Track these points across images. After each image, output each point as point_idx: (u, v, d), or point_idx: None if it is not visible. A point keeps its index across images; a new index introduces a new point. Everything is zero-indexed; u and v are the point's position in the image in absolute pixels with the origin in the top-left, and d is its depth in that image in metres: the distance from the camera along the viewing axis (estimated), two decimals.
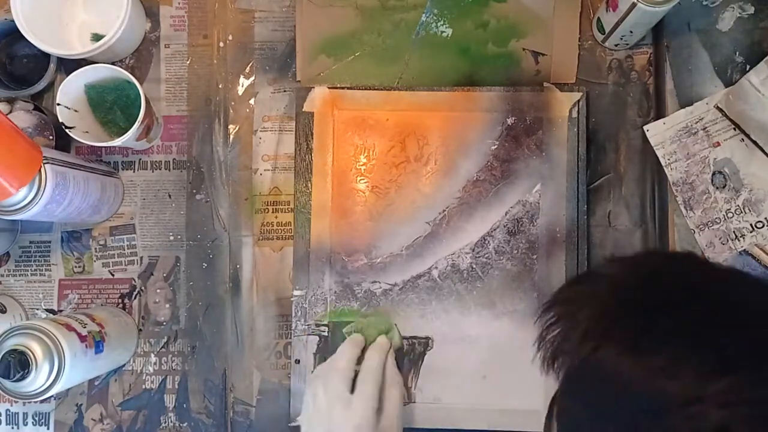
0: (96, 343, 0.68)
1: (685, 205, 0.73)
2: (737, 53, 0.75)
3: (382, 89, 0.78)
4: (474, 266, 0.76)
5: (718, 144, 0.73)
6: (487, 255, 0.76)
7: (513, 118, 0.77)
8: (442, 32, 0.79)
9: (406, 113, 0.77)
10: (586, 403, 0.42)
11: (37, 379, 0.61)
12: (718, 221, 0.73)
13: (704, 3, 0.76)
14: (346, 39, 0.79)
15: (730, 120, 0.72)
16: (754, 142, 0.72)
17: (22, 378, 0.60)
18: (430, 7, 0.78)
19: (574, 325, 0.42)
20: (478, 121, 0.77)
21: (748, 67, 0.74)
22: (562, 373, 0.44)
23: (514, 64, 0.78)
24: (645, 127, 0.75)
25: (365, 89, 0.78)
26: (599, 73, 0.78)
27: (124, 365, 0.77)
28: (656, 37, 0.78)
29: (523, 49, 0.78)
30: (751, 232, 0.72)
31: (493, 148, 0.77)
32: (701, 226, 0.73)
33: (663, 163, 0.74)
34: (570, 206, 0.76)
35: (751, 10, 0.75)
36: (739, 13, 0.76)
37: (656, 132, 0.74)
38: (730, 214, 0.73)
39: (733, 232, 0.73)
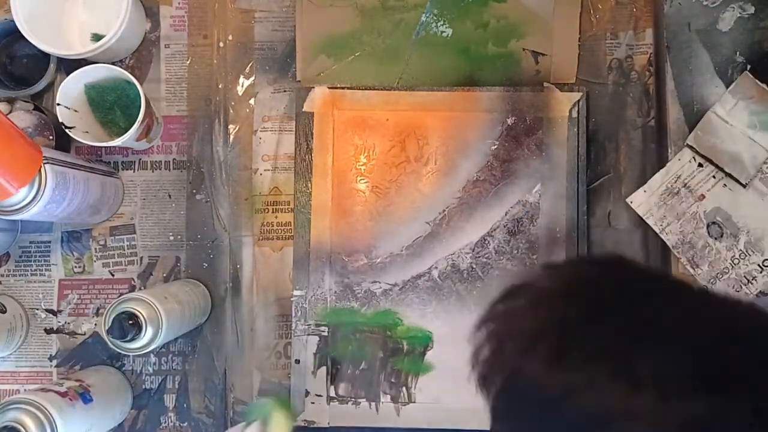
0: (80, 395, 0.67)
1: (690, 264, 0.73)
2: (738, 53, 0.75)
3: (382, 89, 0.78)
4: (474, 266, 0.76)
5: (703, 196, 0.73)
6: (487, 255, 0.76)
7: (513, 118, 0.77)
8: (442, 32, 0.78)
9: (406, 113, 0.77)
10: (514, 427, 0.40)
11: None
12: (727, 271, 0.72)
13: (704, 3, 0.76)
14: (346, 39, 0.79)
15: (703, 156, 0.72)
16: (729, 175, 0.72)
17: None
18: (430, 7, 0.78)
19: (502, 343, 0.40)
20: (478, 121, 0.77)
21: (748, 66, 0.74)
22: (492, 396, 0.41)
23: (514, 64, 0.78)
24: (628, 200, 0.75)
25: (365, 89, 0.78)
26: (599, 73, 0.78)
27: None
28: (656, 37, 0.78)
29: (523, 49, 0.78)
30: (761, 272, 0.72)
31: (493, 148, 0.77)
32: (712, 280, 0.72)
33: (657, 230, 0.73)
34: (570, 206, 0.76)
35: (752, 10, 0.75)
36: (740, 13, 0.76)
37: (640, 201, 0.74)
38: (735, 261, 0.72)
39: (744, 277, 0.72)
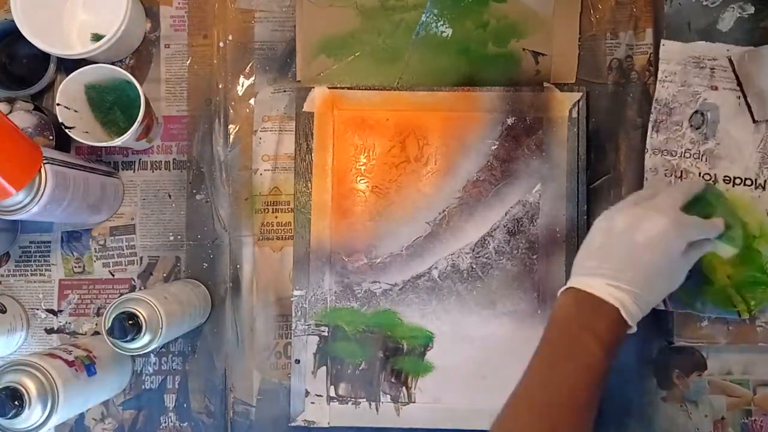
0: (86, 366, 0.67)
1: (653, 125, 0.74)
2: None
3: (382, 89, 0.78)
4: (474, 266, 0.76)
5: (716, 88, 0.74)
6: (487, 255, 0.76)
7: (513, 118, 0.77)
8: (442, 32, 0.78)
9: (406, 113, 0.77)
10: None
11: (33, 413, 0.60)
12: (674, 153, 0.74)
13: (704, 3, 0.76)
14: (346, 39, 0.79)
15: (735, 74, 0.73)
16: (748, 105, 0.73)
17: (17, 415, 0.59)
18: (430, 7, 0.78)
19: None
20: (478, 121, 0.77)
21: None
22: None
23: (514, 64, 0.78)
24: (662, 41, 0.75)
25: (365, 89, 0.78)
26: (599, 73, 0.78)
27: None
28: (656, 37, 0.78)
29: (523, 49, 0.78)
30: (697, 176, 0.73)
31: (493, 148, 0.77)
32: (656, 151, 0.74)
33: (659, 78, 0.75)
34: (570, 206, 0.76)
35: (751, 10, 0.75)
36: (739, 13, 0.76)
37: (669, 49, 0.75)
38: (687, 154, 0.73)
39: (682, 171, 0.74)
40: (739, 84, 0.74)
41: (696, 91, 0.74)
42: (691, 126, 0.73)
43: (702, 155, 0.73)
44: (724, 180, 0.73)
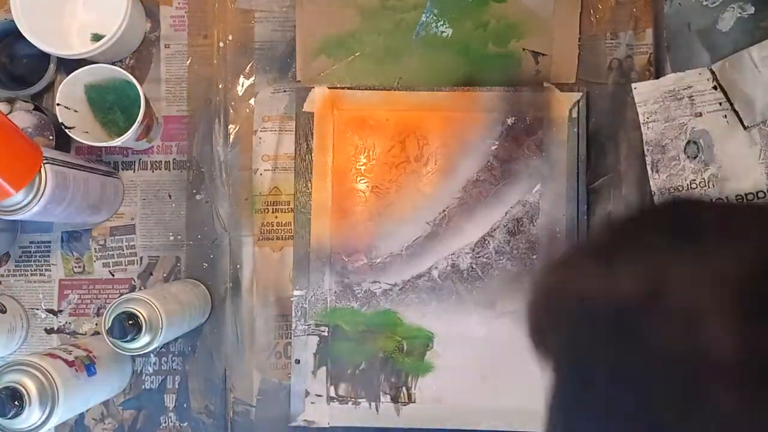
0: (86, 366, 0.67)
1: (652, 167, 0.74)
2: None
3: (382, 89, 0.78)
4: (474, 266, 0.76)
5: (700, 114, 0.74)
6: (487, 255, 0.76)
7: (513, 118, 0.77)
8: (442, 32, 0.78)
9: (406, 113, 0.77)
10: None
11: (33, 413, 0.60)
12: (681, 189, 0.73)
13: (704, 3, 0.76)
14: (346, 39, 0.79)
15: (719, 85, 0.73)
16: (736, 113, 0.73)
17: (17, 415, 0.59)
18: (430, 7, 0.78)
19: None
20: (478, 121, 0.77)
21: None
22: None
23: (514, 64, 0.78)
24: (633, 85, 0.75)
25: (365, 89, 0.78)
26: (599, 73, 0.78)
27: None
28: (656, 37, 0.78)
29: (523, 49, 0.78)
30: None
31: (493, 148, 0.77)
32: (663, 190, 0.74)
33: (641, 121, 0.74)
34: (570, 206, 0.76)
35: (751, 10, 0.75)
36: (739, 13, 0.76)
37: (644, 90, 0.75)
38: (693, 185, 0.73)
39: None
40: (724, 93, 0.73)
41: (682, 123, 0.74)
42: (688, 157, 0.73)
43: (708, 182, 0.73)
44: (737, 199, 0.72)
